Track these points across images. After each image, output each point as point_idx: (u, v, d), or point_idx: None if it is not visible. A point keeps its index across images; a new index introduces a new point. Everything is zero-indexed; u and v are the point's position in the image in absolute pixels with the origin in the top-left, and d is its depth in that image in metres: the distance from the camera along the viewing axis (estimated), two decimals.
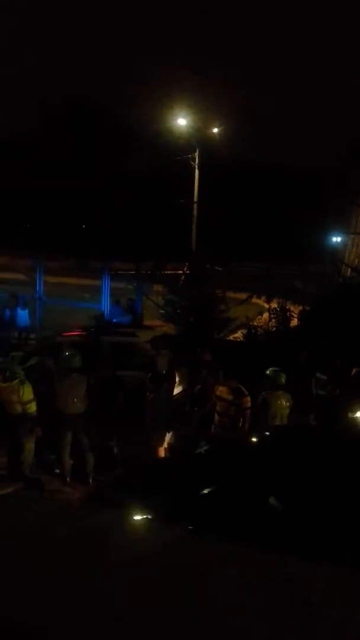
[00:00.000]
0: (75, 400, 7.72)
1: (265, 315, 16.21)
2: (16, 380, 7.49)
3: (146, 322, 17.25)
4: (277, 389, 7.46)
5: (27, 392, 7.50)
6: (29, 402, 7.49)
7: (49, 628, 2.64)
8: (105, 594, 2.86)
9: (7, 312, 15.34)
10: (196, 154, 22.38)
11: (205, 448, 6.31)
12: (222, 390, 7.40)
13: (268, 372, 7.58)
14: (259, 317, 17.12)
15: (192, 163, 22.31)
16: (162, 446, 7.92)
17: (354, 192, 23.14)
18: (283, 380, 7.50)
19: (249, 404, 7.30)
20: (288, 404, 7.46)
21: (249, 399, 7.31)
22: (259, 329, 15.45)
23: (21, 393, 7.46)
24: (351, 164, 23.11)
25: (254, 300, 17.34)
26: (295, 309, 15.56)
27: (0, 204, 16.32)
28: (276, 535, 3.77)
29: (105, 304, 15.83)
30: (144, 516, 3.92)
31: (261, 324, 15.88)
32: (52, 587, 2.91)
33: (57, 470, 8.00)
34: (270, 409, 7.35)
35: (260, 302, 16.93)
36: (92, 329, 12.00)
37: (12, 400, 7.47)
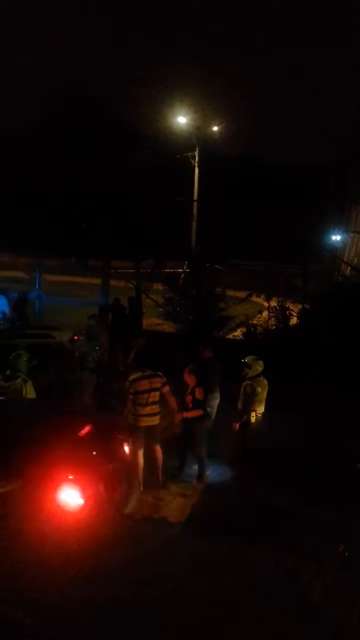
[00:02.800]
0: None
1: (265, 313, 16.19)
2: (19, 379, 7.39)
3: (146, 321, 17.23)
4: (258, 375, 7.75)
5: (30, 391, 7.41)
6: None
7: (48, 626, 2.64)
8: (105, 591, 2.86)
9: None
10: (196, 152, 22.33)
11: None
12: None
13: (248, 360, 7.82)
14: (259, 315, 17.11)
15: (192, 161, 22.25)
16: None
17: (355, 191, 23.08)
18: (261, 368, 7.79)
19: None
20: (267, 388, 7.83)
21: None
22: (258, 327, 15.45)
23: (24, 392, 7.37)
24: (352, 162, 23.04)
25: (254, 298, 17.32)
26: (294, 308, 15.53)
27: (0, 202, 16.32)
28: None
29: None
30: None
31: (261, 322, 15.87)
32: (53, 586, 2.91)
33: None
34: (256, 394, 7.64)
35: (260, 300, 16.90)
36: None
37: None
